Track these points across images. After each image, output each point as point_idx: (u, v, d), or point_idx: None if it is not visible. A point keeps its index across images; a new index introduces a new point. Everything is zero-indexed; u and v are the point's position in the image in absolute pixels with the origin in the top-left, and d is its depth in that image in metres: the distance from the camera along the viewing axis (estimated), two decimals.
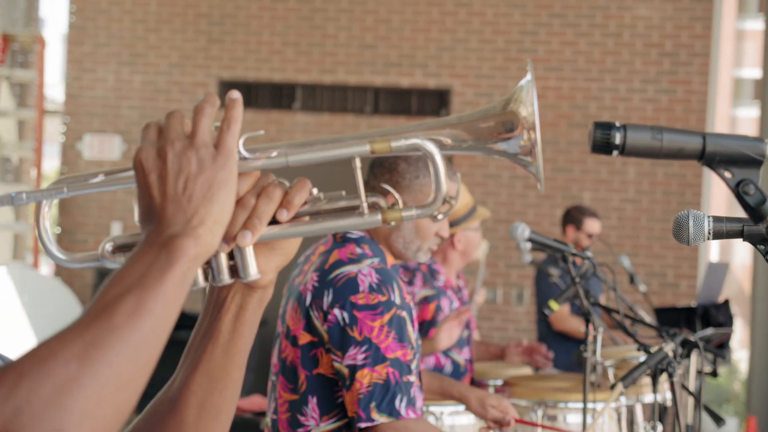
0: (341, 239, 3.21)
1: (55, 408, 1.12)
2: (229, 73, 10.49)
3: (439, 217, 1.38)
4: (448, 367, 4.49)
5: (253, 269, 1.38)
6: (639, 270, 9.63)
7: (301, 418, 3.12)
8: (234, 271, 1.38)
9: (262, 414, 6.97)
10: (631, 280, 7.35)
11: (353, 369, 2.99)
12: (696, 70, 10.03)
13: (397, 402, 2.97)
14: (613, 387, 3.42)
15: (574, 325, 7.00)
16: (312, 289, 3.11)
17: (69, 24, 10.68)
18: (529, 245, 4.40)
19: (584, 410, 4.13)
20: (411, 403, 3.00)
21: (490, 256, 9.63)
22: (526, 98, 1.34)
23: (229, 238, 1.33)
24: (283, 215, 1.36)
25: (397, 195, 1.40)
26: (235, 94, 1.33)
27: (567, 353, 6.98)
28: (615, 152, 1.27)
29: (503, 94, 10.11)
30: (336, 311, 3.04)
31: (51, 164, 12.36)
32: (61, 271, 10.51)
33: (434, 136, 1.37)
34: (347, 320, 3.02)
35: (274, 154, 1.37)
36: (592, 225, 7.34)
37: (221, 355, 1.44)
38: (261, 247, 1.40)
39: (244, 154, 1.35)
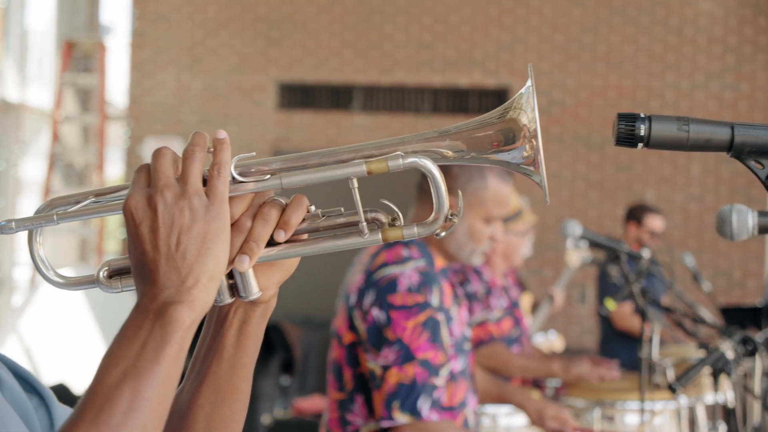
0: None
1: None
2: (287, 75, 10.52)
3: (442, 234, 1.34)
4: None
5: (253, 288, 1.36)
6: (705, 269, 9.47)
7: (349, 416, 3.13)
8: (234, 289, 1.36)
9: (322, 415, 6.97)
10: (695, 278, 7.22)
11: (384, 368, 3.00)
12: (761, 65, 9.86)
13: (420, 402, 2.96)
14: (670, 387, 3.35)
15: (637, 324, 6.90)
16: (357, 289, 3.13)
17: (131, 30, 10.80)
18: (585, 244, 4.34)
19: (642, 410, 4.06)
20: (435, 405, 2.98)
21: (552, 254, 9.56)
22: (527, 105, 1.29)
23: (227, 261, 1.30)
24: (281, 236, 1.32)
25: (398, 212, 1.36)
26: (222, 134, 1.30)
27: (629, 353, 6.88)
28: (640, 145, 1.23)
29: (563, 92, 10.05)
30: (375, 311, 3.06)
31: (114, 168, 12.52)
32: None
33: (434, 147, 1.33)
34: (383, 320, 3.04)
35: (268, 176, 1.33)
36: (654, 222, 7.23)
37: (227, 369, 1.42)
38: (261, 264, 1.36)
39: (237, 177, 1.32)
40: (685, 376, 3.35)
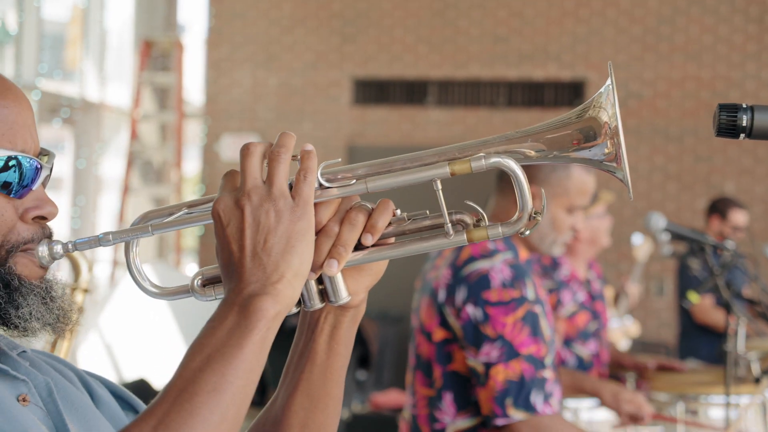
0: None
1: None
2: (362, 71, 10.55)
3: (526, 232, 1.36)
4: (571, 361, 4.40)
5: (343, 293, 1.38)
6: None
7: (437, 414, 3.12)
8: (324, 294, 1.39)
9: (400, 410, 6.98)
10: None
11: (488, 366, 2.98)
12: None
13: (532, 397, 2.94)
14: (757, 381, 3.31)
15: (718, 317, 6.81)
16: (445, 285, 3.11)
17: (208, 28, 10.92)
18: (667, 236, 4.29)
19: (727, 405, 4.01)
20: (547, 398, 2.96)
21: (628, 248, 9.47)
22: (606, 103, 1.32)
23: (315, 266, 1.33)
24: (368, 240, 1.35)
25: (482, 212, 1.38)
26: (309, 147, 1.33)
27: (710, 346, 6.80)
28: (742, 135, 1.22)
29: (640, 84, 9.94)
30: (469, 308, 3.03)
31: (191, 166, 12.65)
32: None
33: (516, 148, 1.35)
34: (480, 317, 3.01)
35: (353, 181, 1.36)
36: (738, 216, 7.13)
37: (319, 375, 1.45)
38: (349, 269, 1.39)
39: (323, 183, 1.35)
40: None
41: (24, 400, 1.39)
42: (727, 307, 3.98)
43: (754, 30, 9.81)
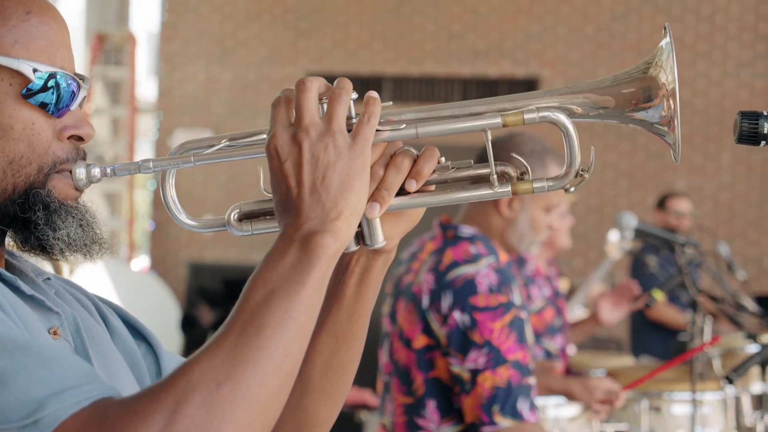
0: (452, 237, 3.13)
1: None
2: (317, 66, 10.52)
3: (571, 189, 1.34)
4: (540, 356, 4.41)
5: (379, 237, 1.37)
6: (734, 257, 9.45)
7: (420, 421, 3.06)
8: (360, 237, 1.38)
9: (358, 407, 6.98)
10: (729, 267, 7.22)
11: (474, 373, 2.92)
12: None
13: (519, 404, 2.90)
14: (726, 378, 3.35)
15: (671, 314, 6.90)
16: (429, 291, 3.04)
17: (161, 22, 10.83)
18: (632, 235, 4.33)
19: (693, 401, 4.06)
20: (533, 405, 2.93)
21: (581, 245, 9.54)
22: (666, 63, 1.28)
23: (366, 198, 1.32)
24: (412, 185, 1.35)
25: (527, 165, 1.36)
26: (374, 94, 1.33)
27: (663, 342, 6.88)
28: (763, 143, 1.24)
29: None
30: (456, 314, 2.97)
31: None
32: (155, 266, 10.67)
33: (567, 103, 1.33)
34: (468, 323, 2.95)
35: (403, 126, 1.35)
36: (675, 203, 7.25)
37: (346, 317, 1.45)
38: (387, 214, 1.39)
39: None
40: (742, 367, 3.36)
41: (55, 333, 1.38)
42: (693, 305, 4.03)
43: (705, 29, 9.93)
